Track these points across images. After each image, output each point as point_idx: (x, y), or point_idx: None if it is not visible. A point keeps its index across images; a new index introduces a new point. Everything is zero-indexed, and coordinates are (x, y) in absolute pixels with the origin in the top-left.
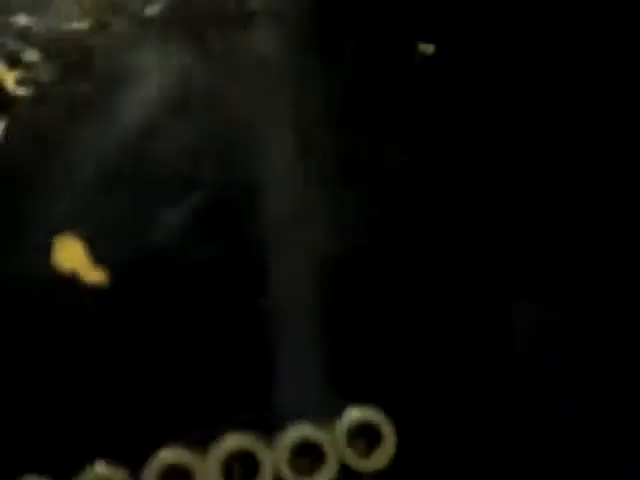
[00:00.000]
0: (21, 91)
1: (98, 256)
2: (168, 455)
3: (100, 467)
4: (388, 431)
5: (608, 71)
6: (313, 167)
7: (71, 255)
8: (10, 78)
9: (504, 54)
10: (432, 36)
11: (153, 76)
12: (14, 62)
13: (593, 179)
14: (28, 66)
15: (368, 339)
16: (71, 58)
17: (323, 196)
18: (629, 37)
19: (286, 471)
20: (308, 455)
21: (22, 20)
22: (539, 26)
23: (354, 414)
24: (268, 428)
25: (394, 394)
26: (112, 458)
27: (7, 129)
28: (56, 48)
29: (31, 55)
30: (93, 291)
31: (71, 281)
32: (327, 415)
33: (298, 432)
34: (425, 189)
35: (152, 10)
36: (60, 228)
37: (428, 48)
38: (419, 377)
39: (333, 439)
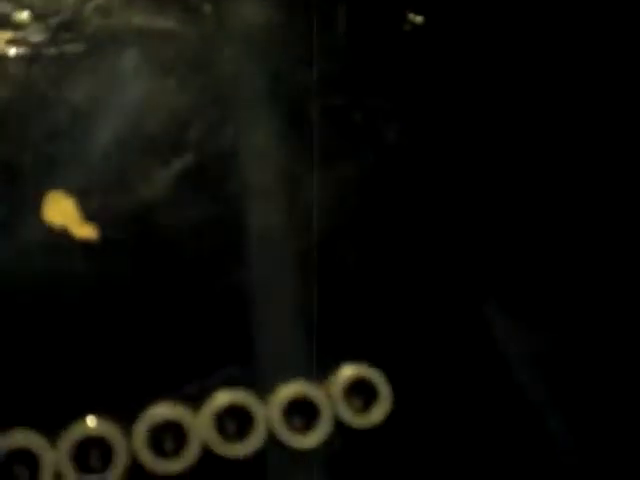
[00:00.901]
0: (11, 51)
1: (88, 212)
2: (160, 410)
3: (91, 421)
4: (384, 387)
5: (608, 60)
6: (303, 135)
7: (61, 211)
8: (1, 39)
9: (496, 24)
10: (423, 6)
11: (144, 38)
12: (3, 23)
13: (585, 187)
14: (18, 26)
15: (361, 296)
16: (62, 18)
17: (312, 164)
18: (629, 34)
19: (280, 428)
20: (302, 412)
21: None
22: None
23: (349, 371)
24: (261, 385)
25: (389, 351)
26: (103, 412)
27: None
28: (46, 8)
29: (21, 15)
30: (83, 246)
31: (61, 236)
32: (321, 372)
33: (292, 388)
34: (419, 162)
35: None
36: (50, 185)
37: (417, 18)
38: (413, 333)
39: (328, 396)
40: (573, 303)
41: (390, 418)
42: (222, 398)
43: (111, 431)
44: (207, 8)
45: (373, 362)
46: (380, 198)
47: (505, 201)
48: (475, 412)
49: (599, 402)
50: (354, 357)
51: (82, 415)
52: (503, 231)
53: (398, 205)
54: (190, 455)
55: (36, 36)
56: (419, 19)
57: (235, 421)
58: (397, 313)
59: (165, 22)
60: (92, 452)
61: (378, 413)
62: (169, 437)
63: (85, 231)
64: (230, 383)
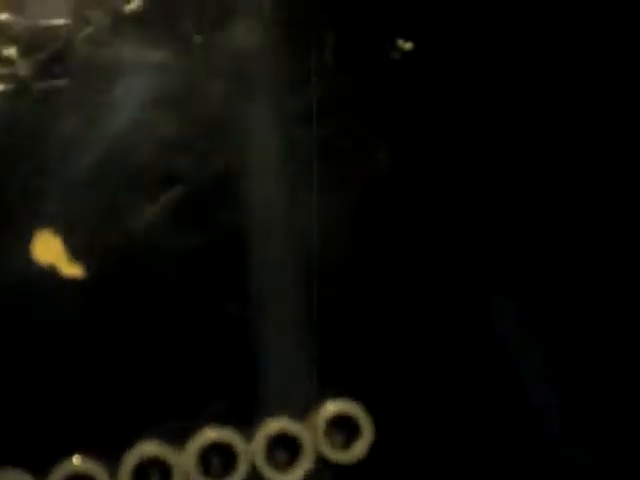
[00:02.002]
0: (1, 87)
1: (76, 248)
2: (145, 448)
3: (77, 461)
4: (366, 423)
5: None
6: (295, 163)
7: (48, 249)
8: None
9: (486, 48)
10: (412, 33)
11: (132, 72)
12: None
13: (584, 189)
14: (6, 61)
15: (347, 333)
16: (50, 54)
17: (305, 192)
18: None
19: (262, 464)
20: (285, 448)
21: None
22: (527, 19)
23: (331, 407)
24: (244, 421)
25: (372, 387)
26: (88, 451)
27: None
28: (34, 44)
29: (9, 51)
30: (72, 284)
31: (51, 274)
32: (304, 408)
33: (275, 425)
34: (410, 187)
35: (132, 6)
36: (36, 221)
37: (406, 44)
38: (397, 370)
39: (310, 431)
40: (580, 304)
41: (372, 453)
42: (206, 435)
43: (97, 470)
44: (197, 39)
45: (355, 397)
46: (378, 224)
47: (505, 219)
48: (459, 453)
49: (603, 401)
50: (338, 393)
51: (68, 453)
52: (501, 250)
53: (387, 235)
54: None
55: (23, 70)
56: (408, 46)
57: (219, 457)
58: (378, 350)
59: (155, 53)
60: None
61: (360, 448)
62: (154, 474)
63: (73, 269)
64: (213, 419)
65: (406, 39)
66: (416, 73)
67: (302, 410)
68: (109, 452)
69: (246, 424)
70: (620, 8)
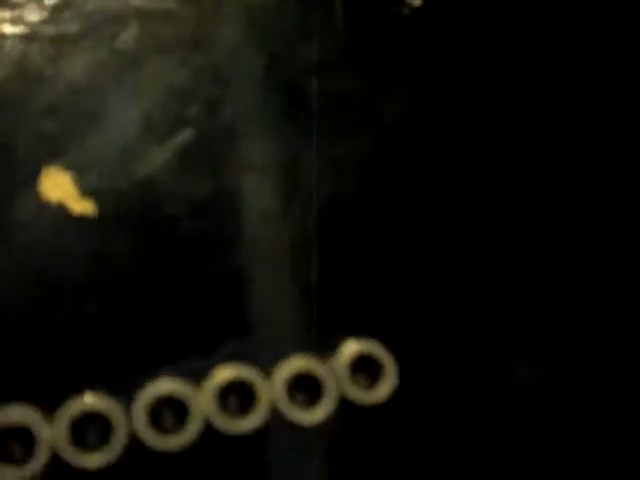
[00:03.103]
0: (8, 30)
1: (86, 188)
2: (161, 386)
3: (88, 397)
4: (389, 363)
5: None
6: (302, 115)
7: (58, 186)
8: None
9: (497, 6)
10: None
11: (141, 17)
12: (0, 2)
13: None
14: (15, 5)
15: (362, 271)
16: None
17: (312, 144)
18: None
19: (284, 404)
20: (306, 388)
21: None
22: None
23: (353, 346)
24: (262, 360)
25: (393, 326)
26: (101, 388)
27: None
28: None
29: None
30: (80, 222)
31: (57, 212)
32: (323, 348)
33: (295, 364)
34: (420, 143)
35: None
36: (47, 161)
37: (415, 1)
38: (419, 308)
39: (332, 372)
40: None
41: (396, 394)
42: (224, 373)
43: (110, 407)
44: None
45: (376, 337)
46: (380, 177)
47: (506, 185)
48: (480, 389)
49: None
50: (356, 332)
51: (80, 390)
52: (508, 221)
53: (398, 183)
54: (191, 431)
55: (33, 15)
56: (417, 2)
57: (237, 397)
58: (399, 289)
59: (163, 2)
60: (90, 428)
61: (384, 389)
62: (169, 413)
63: (82, 206)
64: (231, 358)
65: None
66: (425, 29)
67: (324, 350)
68: (122, 389)
69: (265, 364)
70: (620, 8)
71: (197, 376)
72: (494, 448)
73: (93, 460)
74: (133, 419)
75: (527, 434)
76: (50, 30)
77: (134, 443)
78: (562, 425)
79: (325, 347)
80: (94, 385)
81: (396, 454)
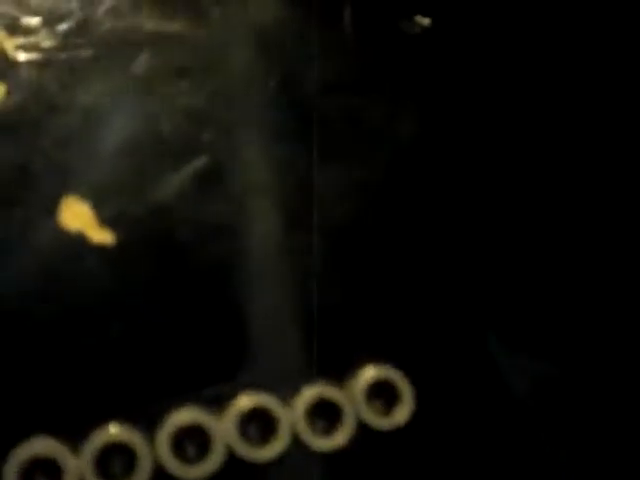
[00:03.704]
0: (22, 57)
1: (103, 216)
2: (183, 415)
3: (114, 428)
4: (406, 388)
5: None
6: (315, 135)
7: (77, 215)
8: (10, 44)
9: (504, 25)
10: (429, 9)
11: (154, 42)
12: (14, 28)
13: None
14: (28, 32)
15: (378, 295)
16: (72, 23)
17: (327, 163)
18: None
19: (304, 430)
20: (325, 414)
21: None
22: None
23: (370, 372)
24: (281, 389)
25: (409, 351)
26: (124, 418)
27: (9, 93)
28: (57, 13)
29: (31, 21)
30: (99, 250)
31: (76, 241)
32: (341, 374)
33: (314, 391)
34: (425, 163)
35: None
36: (64, 190)
37: (424, 20)
38: (434, 332)
39: (350, 398)
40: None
41: (414, 419)
42: (245, 401)
43: (134, 437)
44: (215, 11)
45: (392, 362)
46: (391, 198)
47: (509, 197)
48: (497, 413)
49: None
50: (372, 358)
51: (104, 421)
52: (507, 231)
53: (402, 204)
54: (214, 460)
55: (47, 41)
56: (426, 21)
57: (258, 425)
58: (412, 312)
59: (175, 25)
60: (115, 459)
61: (401, 414)
62: (192, 442)
63: (101, 235)
64: (249, 387)
65: (425, 14)
66: (435, 48)
67: (340, 376)
68: (145, 419)
69: (283, 392)
70: (620, 8)
71: (218, 404)
72: (512, 472)
73: None
74: (157, 449)
75: (545, 456)
76: (63, 56)
77: (158, 473)
78: (574, 448)
79: (342, 374)
80: (117, 415)
81: (413, 478)
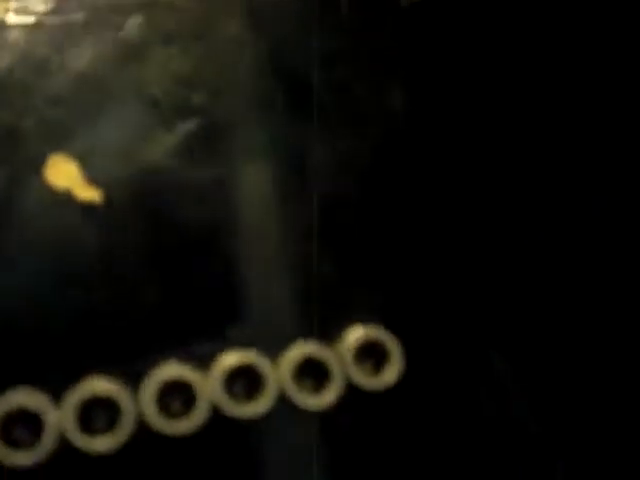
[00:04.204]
0: (13, 19)
1: (92, 176)
2: (168, 370)
3: (97, 381)
4: (395, 348)
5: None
6: (304, 102)
7: (64, 174)
8: (1, 7)
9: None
10: None
11: (145, 7)
12: None
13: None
14: None
15: (368, 257)
16: None
17: (316, 133)
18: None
19: (291, 388)
20: (313, 373)
21: None
22: None
23: (359, 332)
24: (269, 346)
25: (399, 312)
26: (109, 372)
27: (3, 56)
28: None
29: None
30: (86, 209)
31: (64, 199)
32: (331, 334)
33: (302, 349)
34: (422, 136)
35: None
36: (53, 149)
37: None
38: (423, 293)
39: (338, 357)
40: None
41: (403, 379)
42: (231, 359)
43: (117, 391)
44: None
45: (381, 322)
46: (383, 166)
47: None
48: (484, 375)
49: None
50: (362, 318)
51: (87, 375)
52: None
53: (400, 173)
54: (198, 416)
55: (38, 5)
56: None
57: (244, 382)
58: (403, 274)
59: None
60: (98, 413)
61: (391, 374)
62: (177, 398)
63: (89, 194)
64: (237, 344)
65: None
66: (428, 21)
67: (329, 335)
68: (130, 374)
69: (271, 350)
70: (620, 8)
71: (204, 361)
72: (499, 434)
73: (101, 444)
74: (141, 403)
75: (532, 418)
76: (55, 20)
77: (142, 427)
78: (562, 411)
79: (331, 332)
80: (101, 369)
81: (402, 439)
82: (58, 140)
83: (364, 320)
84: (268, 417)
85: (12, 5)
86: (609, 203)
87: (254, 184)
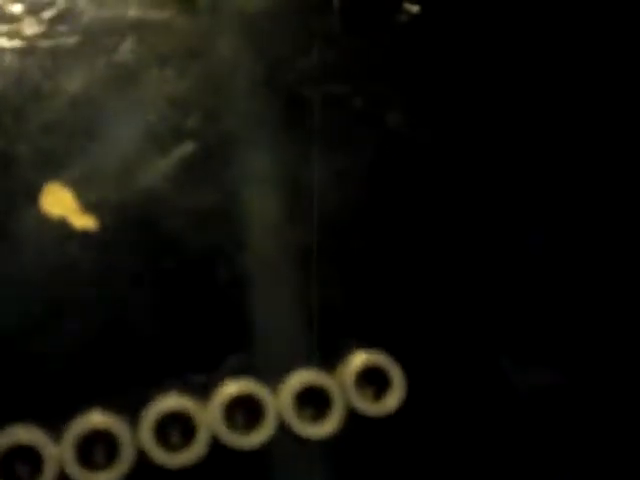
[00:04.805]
0: (5, 44)
1: (87, 203)
2: (167, 402)
3: (96, 415)
4: (396, 374)
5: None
6: (303, 122)
7: (59, 202)
8: None
9: (495, 12)
10: None
11: (139, 29)
12: None
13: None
14: (12, 19)
15: (369, 283)
16: (56, 11)
17: (313, 152)
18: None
19: (291, 417)
20: (314, 401)
21: None
22: None
23: (360, 358)
24: (268, 374)
25: (400, 337)
26: (107, 405)
27: None
28: (41, 1)
29: (15, 8)
30: (82, 237)
31: (60, 227)
32: (331, 360)
33: (302, 377)
34: (421, 149)
35: None
36: (48, 176)
37: (413, 7)
38: (425, 319)
39: (339, 384)
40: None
41: (404, 406)
42: (230, 388)
43: (116, 424)
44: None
45: (383, 348)
46: (382, 185)
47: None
48: (487, 399)
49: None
50: (363, 344)
51: (86, 408)
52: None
53: (400, 192)
54: (199, 447)
55: (30, 29)
56: (415, 8)
57: (244, 412)
58: (404, 299)
59: (161, 12)
60: (97, 447)
61: (392, 401)
62: (176, 429)
63: (84, 221)
64: (237, 373)
65: (413, 1)
66: (424, 36)
67: (330, 363)
68: (129, 406)
69: (272, 378)
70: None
71: (203, 391)
72: (501, 458)
73: (101, 478)
74: (140, 436)
75: (534, 443)
76: (47, 43)
77: (141, 460)
78: (565, 433)
79: (332, 360)
80: (100, 402)
81: (404, 465)
82: (52, 167)
83: (365, 346)
84: (269, 446)
85: (4, 29)
86: (608, 204)
87: (252, 207)
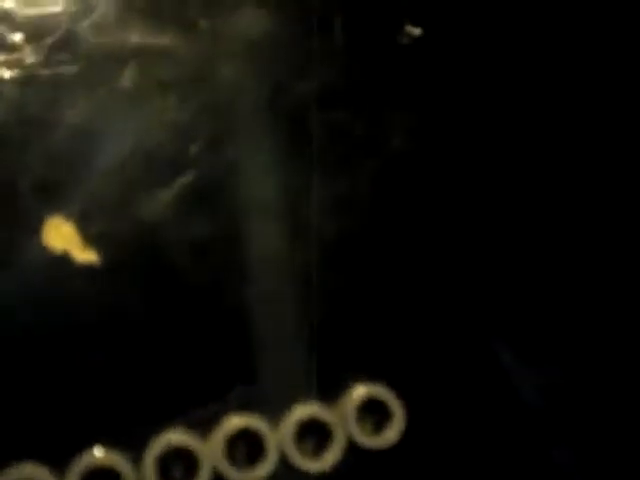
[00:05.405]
0: (5, 73)
1: (90, 235)
2: (169, 438)
3: (99, 452)
4: (397, 407)
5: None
6: (305, 149)
7: (61, 236)
8: None
9: (495, 37)
10: (420, 18)
11: (140, 56)
12: None
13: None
14: (12, 48)
15: (369, 314)
16: (56, 38)
17: (313, 178)
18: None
19: (292, 451)
20: (314, 434)
21: (5, 3)
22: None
23: (361, 391)
24: (269, 407)
25: (401, 370)
26: (110, 441)
27: None
28: (40, 30)
29: (15, 37)
30: (85, 270)
31: (62, 261)
32: (332, 394)
33: (303, 411)
34: (422, 174)
35: None
36: (49, 209)
37: (415, 30)
38: (426, 350)
39: (340, 417)
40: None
41: (404, 439)
42: (232, 423)
43: (119, 461)
44: (204, 24)
45: (383, 381)
46: (383, 212)
47: (509, 207)
48: (487, 426)
49: (605, 433)
50: (363, 376)
51: (89, 445)
52: (507, 235)
53: (402, 219)
54: None
55: (30, 58)
56: (417, 31)
57: (246, 446)
58: (404, 331)
59: (162, 39)
60: None
61: (392, 433)
62: (179, 465)
63: (86, 255)
64: (238, 408)
65: (415, 24)
66: (426, 59)
67: (330, 395)
68: (131, 442)
69: (271, 411)
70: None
71: (205, 426)
72: None
73: None
74: (143, 473)
75: (541, 472)
76: (48, 72)
77: None
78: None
79: (332, 393)
80: (102, 439)
81: None
82: (54, 200)
83: (365, 379)
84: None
85: (4, 58)
86: (608, 203)
87: (255, 237)
